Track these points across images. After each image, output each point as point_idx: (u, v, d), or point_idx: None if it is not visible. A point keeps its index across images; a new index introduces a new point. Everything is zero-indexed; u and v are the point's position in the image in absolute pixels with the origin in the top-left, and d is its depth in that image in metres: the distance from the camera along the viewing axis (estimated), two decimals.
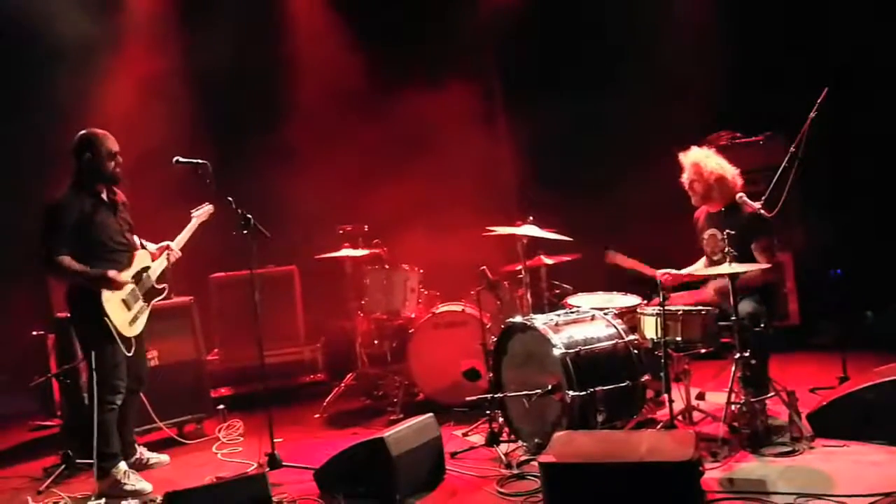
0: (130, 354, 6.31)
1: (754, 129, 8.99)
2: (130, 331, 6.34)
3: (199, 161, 6.40)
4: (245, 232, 6.40)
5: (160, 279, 6.62)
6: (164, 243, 6.69)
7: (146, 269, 6.53)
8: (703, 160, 6.70)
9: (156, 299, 6.60)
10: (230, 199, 6.38)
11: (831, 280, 8.08)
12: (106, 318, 6.15)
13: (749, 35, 9.09)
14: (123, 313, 6.28)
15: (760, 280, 6.45)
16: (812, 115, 6.60)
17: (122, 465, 6.38)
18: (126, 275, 6.34)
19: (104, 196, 6.37)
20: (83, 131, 6.33)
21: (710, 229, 6.77)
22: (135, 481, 6.31)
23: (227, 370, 8.71)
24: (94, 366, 6.18)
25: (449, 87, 9.62)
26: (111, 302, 6.20)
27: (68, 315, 6.47)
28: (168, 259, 6.65)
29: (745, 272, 6.14)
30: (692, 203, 6.86)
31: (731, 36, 9.05)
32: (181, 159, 6.37)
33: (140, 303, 6.43)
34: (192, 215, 6.88)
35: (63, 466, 6.75)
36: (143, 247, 6.66)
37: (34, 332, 8.06)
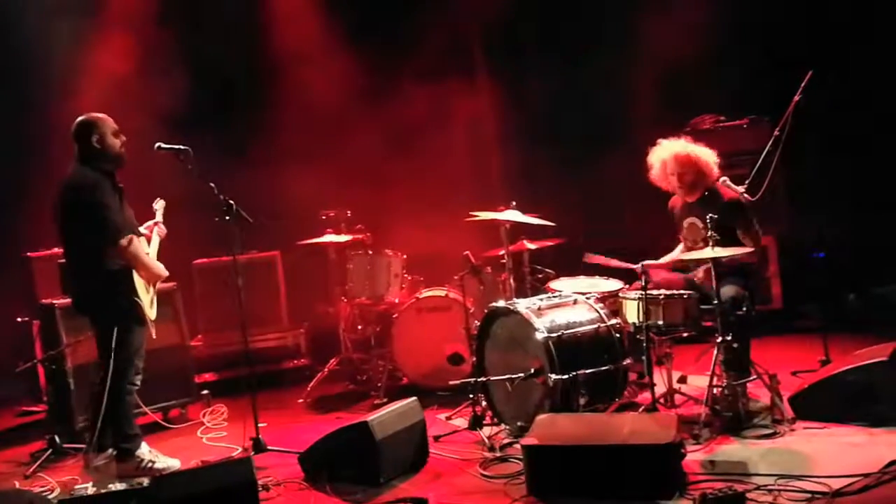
0: (155, 337, 6.32)
1: (738, 113, 8.96)
2: (152, 313, 6.31)
3: (181, 147, 6.33)
4: (228, 218, 6.37)
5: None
6: (151, 222, 6.60)
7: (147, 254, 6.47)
8: (689, 151, 6.55)
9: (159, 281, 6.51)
10: (212, 184, 6.35)
11: (814, 263, 8.12)
12: (137, 300, 6.11)
13: (733, 16, 9.08)
14: (146, 296, 6.25)
15: (741, 259, 6.39)
16: (796, 98, 6.61)
17: (145, 446, 6.38)
18: None
19: (117, 181, 6.26)
20: (82, 116, 6.20)
21: (689, 218, 6.69)
22: (163, 460, 6.30)
23: (211, 355, 8.69)
24: (114, 347, 6.04)
25: (434, 75, 9.58)
26: (140, 284, 6.16)
27: (92, 297, 6.18)
28: (159, 234, 6.57)
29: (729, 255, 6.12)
30: (675, 194, 6.79)
31: (716, 17, 9.02)
32: (163, 145, 6.31)
33: (151, 287, 6.38)
34: (155, 207, 6.74)
35: (50, 451, 6.74)
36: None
37: (19, 318, 8.03)
